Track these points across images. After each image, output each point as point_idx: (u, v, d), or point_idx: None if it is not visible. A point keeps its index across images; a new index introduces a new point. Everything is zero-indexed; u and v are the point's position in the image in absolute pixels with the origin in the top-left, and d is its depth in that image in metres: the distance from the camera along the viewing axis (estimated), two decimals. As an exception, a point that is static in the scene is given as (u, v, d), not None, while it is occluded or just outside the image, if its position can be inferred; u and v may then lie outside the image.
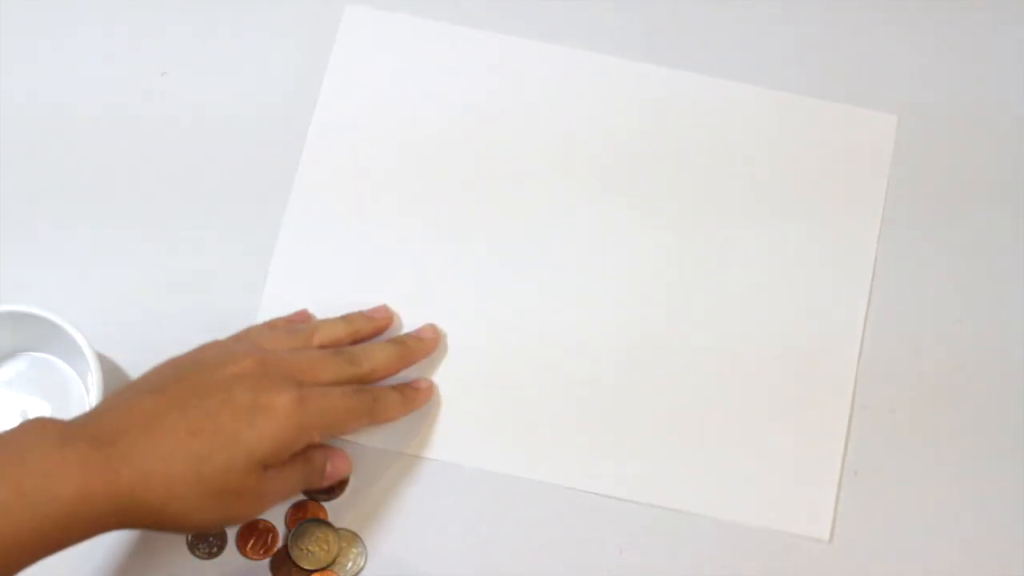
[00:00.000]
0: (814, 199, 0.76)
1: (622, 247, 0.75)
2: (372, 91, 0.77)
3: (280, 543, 0.70)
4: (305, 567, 0.69)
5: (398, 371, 0.70)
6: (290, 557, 0.69)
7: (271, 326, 0.70)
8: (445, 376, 0.73)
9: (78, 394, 0.71)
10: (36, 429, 0.59)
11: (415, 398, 0.71)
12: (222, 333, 0.72)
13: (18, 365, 0.72)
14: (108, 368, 0.71)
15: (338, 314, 0.72)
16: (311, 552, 0.69)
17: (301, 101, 0.77)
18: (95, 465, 0.57)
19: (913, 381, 0.73)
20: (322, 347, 0.69)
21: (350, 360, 0.68)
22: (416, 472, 0.72)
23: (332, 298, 0.73)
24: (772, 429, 0.72)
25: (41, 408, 0.71)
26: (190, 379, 0.63)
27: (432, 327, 0.73)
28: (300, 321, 0.72)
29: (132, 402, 0.61)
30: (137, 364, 0.72)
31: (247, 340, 0.68)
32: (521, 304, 0.74)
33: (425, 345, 0.72)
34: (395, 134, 0.76)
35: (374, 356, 0.69)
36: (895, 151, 0.77)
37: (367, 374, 0.68)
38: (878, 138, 0.77)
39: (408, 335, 0.72)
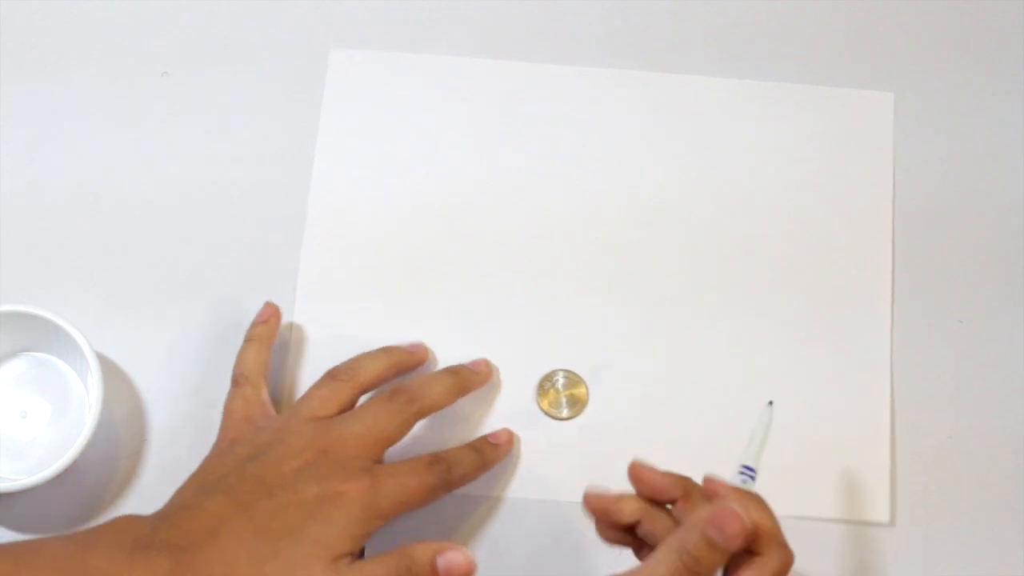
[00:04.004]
0: (822, 187, 0.76)
1: (634, 251, 0.75)
2: (369, 128, 0.77)
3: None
4: None
5: (454, 402, 0.68)
6: None
7: (317, 387, 0.68)
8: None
9: (78, 394, 0.71)
10: (114, 532, 0.60)
11: (494, 456, 0.69)
12: (223, 334, 0.73)
13: (18, 365, 0.72)
14: (108, 368, 0.71)
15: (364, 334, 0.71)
16: None
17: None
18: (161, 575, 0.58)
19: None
20: (369, 387, 0.68)
21: (408, 401, 0.66)
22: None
23: (359, 307, 0.74)
24: (816, 418, 0.72)
25: (41, 408, 0.71)
26: (254, 476, 0.62)
27: (485, 362, 0.71)
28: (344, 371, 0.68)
29: (201, 504, 0.61)
30: (137, 364, 0.73)
31: (300, 415, 0.66)
32: (538, 313, 0.74)
33: (480, 378, 0.70)
34: (400, 165, 0.76)
35: (431, 390, 0.67)
36: (895, 128, 0.77)
37: (426, 408, 0.67)
38: (877, 117, 0.77)
39: (462, 366, 0.70)
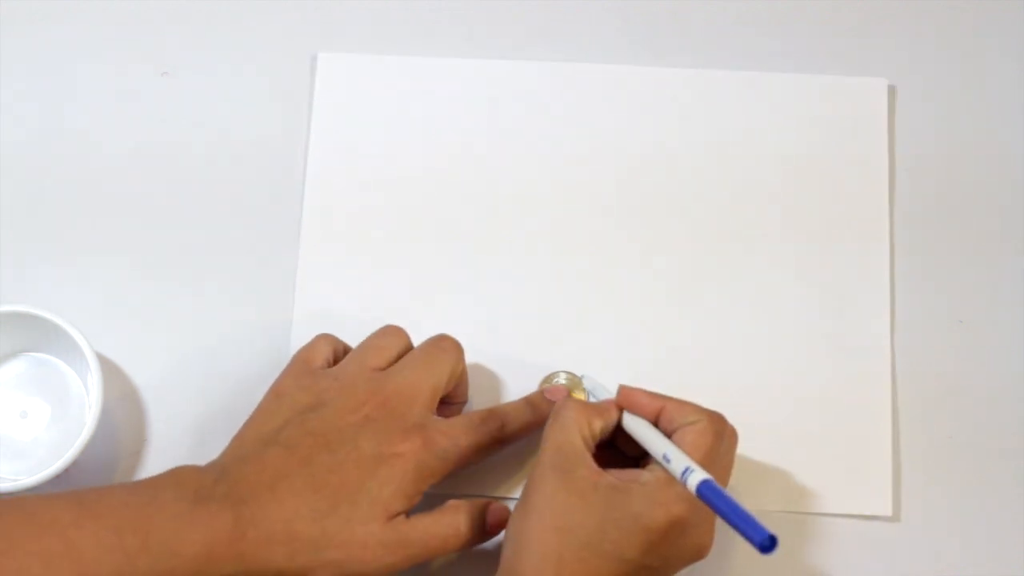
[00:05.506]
0: (819, 178, 0.76)
1: (634, 245, 0.75)
2: (361, 131, 0.76)
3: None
4: None
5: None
6: None
7: (375, 337, 0.68)
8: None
9: (78, 394, 0.71)
10: (175, 483, 0.60)
11: (547, 410, 0.68)
12: (222, 334, 0.73)
13: (18, 365, 0.72)
14: (108, 368, 0.71)
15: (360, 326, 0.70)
16: None
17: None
18: (222, 528, 0.59)
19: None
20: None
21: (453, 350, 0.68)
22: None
23: (358, 307, 0.74)
24: (813, 413, 0.72)
25: (41, 408, 0.71)
26: (314, 429, 0.63)
27: (564, 389, 0.71)
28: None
29: (260, 457, 0.62)
30: (137, 364, 0.73)
31: (359, 365, 0.66)
32: (537, 314, 0.74)
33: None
34: (392, 167, 0.76)
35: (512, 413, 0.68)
36: (890, 115, 0.77)
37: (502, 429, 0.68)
38: (871, 103, 0.77)
39: (541, 397, 0.70)
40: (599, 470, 0.62)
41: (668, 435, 0.64)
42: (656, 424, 0.65)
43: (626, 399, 0.66)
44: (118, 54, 0.78)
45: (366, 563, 0.61)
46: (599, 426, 0.64)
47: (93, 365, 0.67)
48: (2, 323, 0.68)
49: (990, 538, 0.71)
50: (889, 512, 0.71)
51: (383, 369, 0.66)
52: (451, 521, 0.64)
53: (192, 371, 0.73)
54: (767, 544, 0.54)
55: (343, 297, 0.74)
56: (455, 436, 0.64)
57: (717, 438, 0.63)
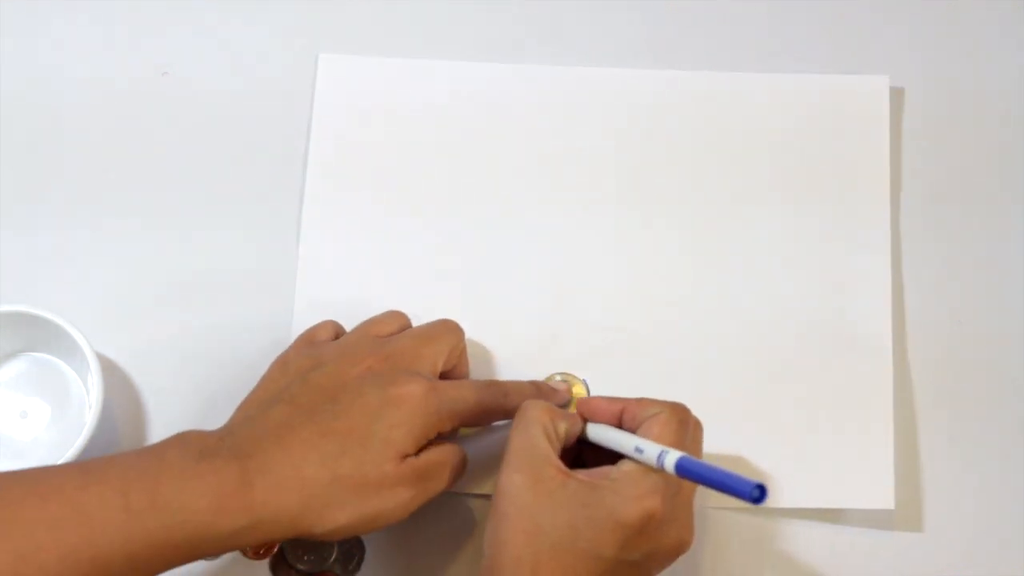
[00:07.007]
0: (820, 176, 0.76)
1: (635, 246, 0.75)
2: (361, 131, 0.77)
3: (278, 544, 0.70)
4: (300, 568, 0.69)
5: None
6: (285, 559, 0.69)
7: (378, 316, 0.70)
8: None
9: (78, 394, 0.71)
10: (179, 444, 0.60)
11: (551, 398, 0.69)
12: (221, 332, 0.73)
13: (18, 365, 0.72)
14: (108, 368, 0.71)
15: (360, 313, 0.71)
16: (309, 555, 0.69)
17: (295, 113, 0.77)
18: (230, 480, 0.58)
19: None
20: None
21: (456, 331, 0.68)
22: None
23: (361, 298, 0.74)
24: (815, 408, 0.72)
25: (41, 408, 0.71)
26: (318, 384, 0.63)
27: (564, 384, 0.72)
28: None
29: (265, 414, 0.62)
30: (137, 364, 0.73)
31: (361, 333, 0.68)
32: (537, 312, 0.74)
33: (558, 396, 0.70)
34: (392, 168, 0.76)
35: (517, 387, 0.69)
36: (893, 114, 0.77)
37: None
38: (872, 102, 0.77)
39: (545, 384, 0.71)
40: (566, 470, 0.62)
41: (632, 432, 0.63)
42: (620, 427, 0.65)
43: (585, 407, 0.66)
44: (118, 54, 0.78)
45: (385, 500, 0.61)
46: (563, 428, 0.64)
47: (93, 365, 0.67)
48: (2, 323, 0.68)
49: (990, 536, 0.71)
50: (892, 505, 0.71)
51: (387, 336, 0.67)
52: (453, 448, 0.64)
53: (193, 370, 0.73)
54: (757, 494, 0.54)
55: (342, 297, 0.74)
56: (462, 389, 0.65)
57: (681, 426, 0.63)
